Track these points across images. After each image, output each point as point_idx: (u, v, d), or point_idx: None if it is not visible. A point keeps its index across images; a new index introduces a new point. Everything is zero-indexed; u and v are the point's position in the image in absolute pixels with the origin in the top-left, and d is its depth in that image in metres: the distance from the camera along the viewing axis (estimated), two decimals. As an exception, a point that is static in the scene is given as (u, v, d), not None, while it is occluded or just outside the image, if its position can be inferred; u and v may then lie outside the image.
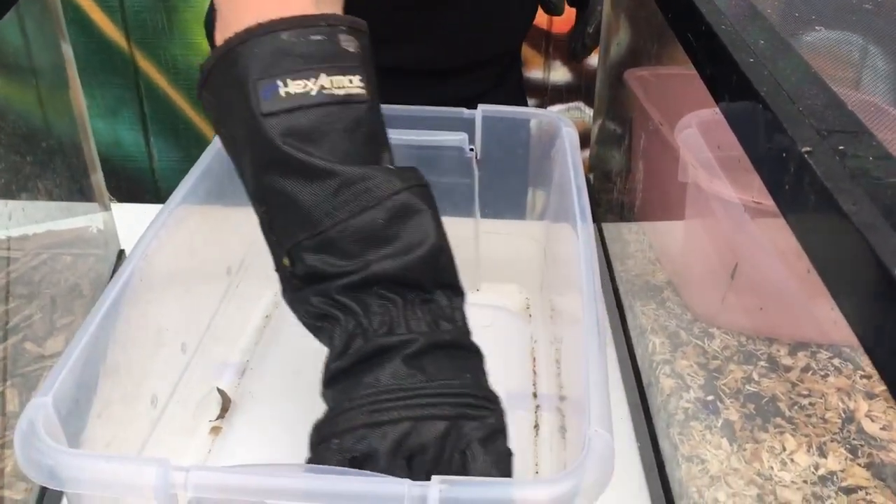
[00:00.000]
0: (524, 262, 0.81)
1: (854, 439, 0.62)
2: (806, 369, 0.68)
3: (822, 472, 0.60)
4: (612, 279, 0.84)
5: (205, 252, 0.68)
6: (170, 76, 1.72)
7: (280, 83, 0.47)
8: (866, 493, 0.58)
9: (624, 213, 0.87)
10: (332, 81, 0.48)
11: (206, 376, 0.68)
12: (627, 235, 0.87)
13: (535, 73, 1.86)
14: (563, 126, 0.71)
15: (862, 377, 0.67)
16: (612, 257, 0.87)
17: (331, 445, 0.45)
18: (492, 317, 0.80)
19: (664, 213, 0.78)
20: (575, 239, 0.58)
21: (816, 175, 0.34)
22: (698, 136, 0.71)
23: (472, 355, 0.50)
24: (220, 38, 0.50)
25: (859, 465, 0.60)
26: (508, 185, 0.78)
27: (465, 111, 0.74)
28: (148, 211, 0.61)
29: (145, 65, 1.73)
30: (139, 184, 1.85)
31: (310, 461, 0.46)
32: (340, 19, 0.50)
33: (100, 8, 1.66)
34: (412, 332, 0.47)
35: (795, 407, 0.65)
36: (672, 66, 0.81)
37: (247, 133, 0.49)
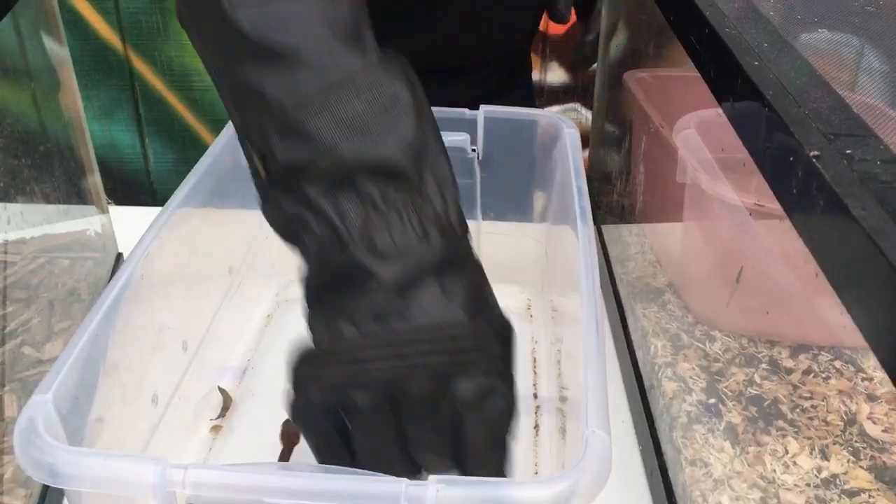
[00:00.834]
0: (525, 263, 0.81)
1: (856, 442, 0.62)
2: (807, 372, 0.67)
3: (824, 474, 0.60)
4: (613, 282, 0.84)
5: (206, 252, 0.68)
6: (165, 78, 1.72)
7: None
8: (869, 496, 0.58)
9: (624, 215, 0.87)
10: None
11: (207, 376, 0.68)
12: (628, 238, 0.87)
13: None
14: (565, 127, 0.70)
15: (863, 379, 0.67)
16: (613, 260, 0.87)
17: (312, 397, 0.43)
18: (492, 319, 0.79)
19: (665, 216, 0.78)
20: (575, 240, 0.58)
21: (825, 179, 0.34)
22: (697, 137, 0.71)
23: (469, 273, 0.44)
24: None
25: (862, 467, 0.60)
26: (510, 186, 0.78)
27: (466, 112, 0.74)
28: (146, 214, 0.61)
29: (140, 66, 1.72)
30: (135, 186, 1.84)
31: (291, 396, 0.44)
32: None
33: (95, 10, 1.66)
34: (397, 246, 0.41)
35: (797, 410, 0.65)
36: (672, 67, 0.81)
37: (218, 33, 0.45)
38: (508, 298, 0.82)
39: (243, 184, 0.74)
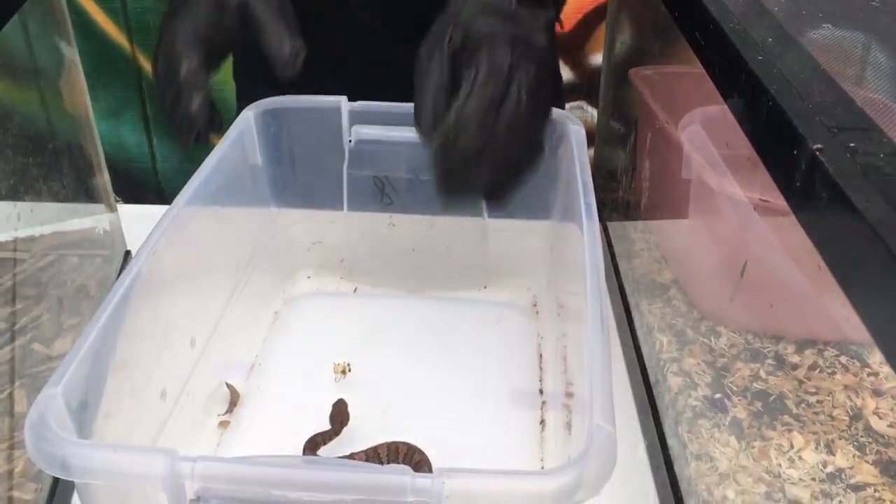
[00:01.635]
0: (532, 260, 0.81)
1: (861, 436, 0.62)
2: (813, 367, 0.68)
3: (830, 469, 0.60)
4: (618, 278, 0.84)
5: (214, 250, 0.69)
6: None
7: None
8: (875, 491, 0.58)
9: (630, 212, 0.87)
10: None
11: (215, 371, 0.69)
12: (633, 234, 0.87)
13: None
14: (571, 124, 0.71)
15: (869, 374, 0.67)
16: (618, 257, 0.87)
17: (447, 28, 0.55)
18: (499, 314, 0.80)
19: (670, 212, 0.79)
20: (580, 237, 0.59)
21: (828, 172, 0.34)
22: (702, 133, 0.71)
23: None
24: None
25: (867, 462, 0.60)
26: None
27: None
28: (154, 212, 0.61)
29: (148, 66, 1.73)
30: (142, 185, 1.85)
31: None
32: None
33: (102, 10, 1.67)
34: None
35: (803, 404, 0.65)
36: (678, 64, 0.81)
37: None
38: (514, 295, 0.82)
39: (250, 181, 0.75)
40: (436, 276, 0.82)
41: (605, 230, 0.93)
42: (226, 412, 0.68)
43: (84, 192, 0.84)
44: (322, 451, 0.62)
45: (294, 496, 0.42)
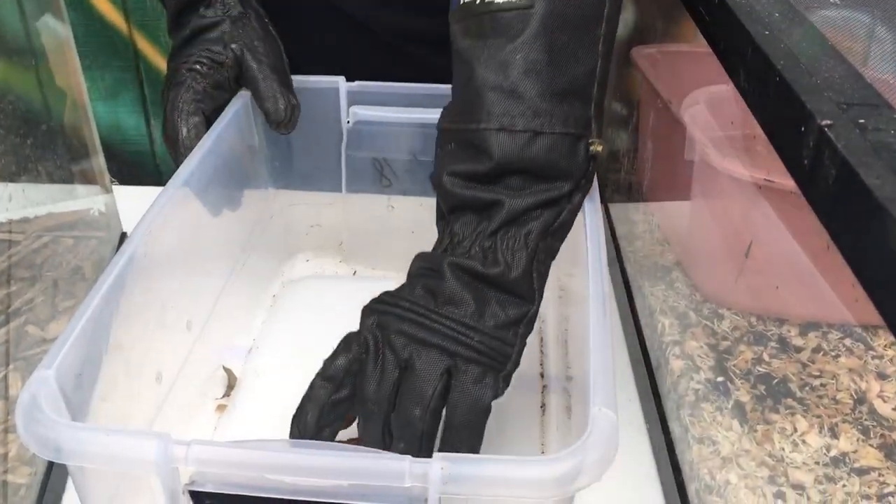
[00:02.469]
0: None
1: (866, 420, 0.62)
2: (817, 350, 0.67)
3: (833, 453, 0.59)
4: (620, 260, 0.84)
5: (210, 231, 0.68)
6: (169, 58, 1.70)
7: None
8: (879, 475, 0.58)
9: (632, 193, 0.86)
10: None
11: (212, 354, 0.68)
12: (635, 216, 0.86)
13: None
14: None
15: (874, 357, 0.66)
16: (620, 238, 0.86)
17: (369, 321, 0.52)
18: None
19: (673, 193, 0.78)
20: (582, 218, 0.58)
21: (837, 149, 0.33)
22: (705, 113, 0.70)
23: (516, 305, 0.50)
24: None
25: (871, 446, 0.60)
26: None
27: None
28: (150, 193, 0.60)
29: (145, 47, 1.71)
30: (140, 167, 1.84)
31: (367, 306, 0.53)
32: None
33: (99, -10, 1.65)
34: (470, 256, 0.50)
35: (806, 388, 0.64)
36: (680, 42, 0.79)
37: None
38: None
39: (248, 162, 0.74)
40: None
41: (606, 211, 0.92)
42: (223, 396, 0.67)
43: (79, 174, 0.83)
44: None
45: (290, 481, 0.41)
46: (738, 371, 0.65)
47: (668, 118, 0.74)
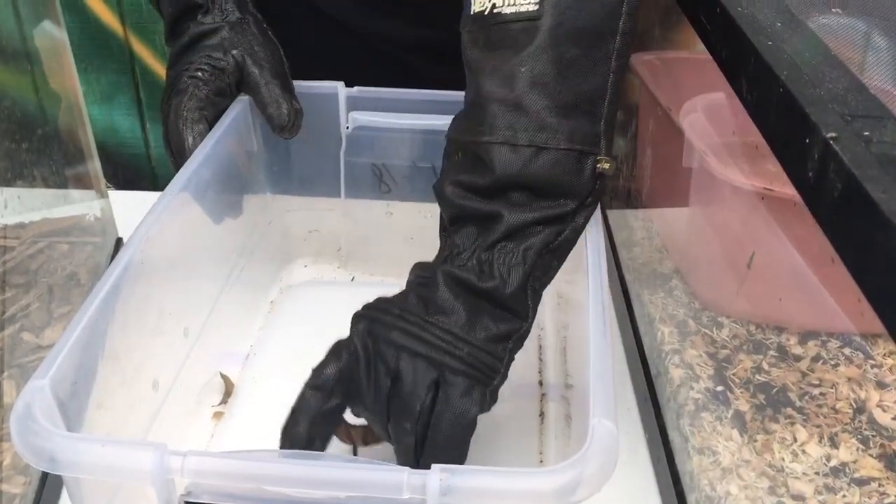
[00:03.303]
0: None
1: (866, 430, 0.61)
2: (816, 359, 0.67)
3: (833, 463, 0.59)
4: (619, 267, 0.83)
5: (208, 236, 0.67)
6: (165, 61, 1.70)
7: None
8: (879, 485, 0.58)
9: (630, 199, 0.86)
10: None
11: (209, 361, 0.67)
12: (634, 223, 0.86)
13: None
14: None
15: (873, 367, 0.66)
16: (619, 245, 0.86)
17: (359, 327, 0.51)
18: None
19: (672, 201, 0.77)
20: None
21: (843, 162, 0.33)
22: (704, 121, 0.70)
23: (508, 320, 0.50)
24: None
25: (871, 455, 0.59)
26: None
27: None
28: (146, 198, 0.60)
29: (141, 50, 1.71)
30: (135, 170, 1.83)
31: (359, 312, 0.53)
32: None
33: (94, -8, 1.64)
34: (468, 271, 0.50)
35: (806, 397, 0.64)
36: (679, 49, 0.79)
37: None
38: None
39: (246, 168, 0.74)
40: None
41: (604, 218, 0.92)
42: (220, 403, 0.66)
43: (74, 178, 0.83)
44: None
45: (287, 493, 0.41)
46: (737, 380, 0.65)
47: (667, 125, 0.74)
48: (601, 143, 0.50)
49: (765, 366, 0.66)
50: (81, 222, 0.81)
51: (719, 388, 0.65)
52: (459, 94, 0.72)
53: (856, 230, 0.32)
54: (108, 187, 0.90)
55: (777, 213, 0.61)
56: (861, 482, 0.58)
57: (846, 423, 0.62)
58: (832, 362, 0.66)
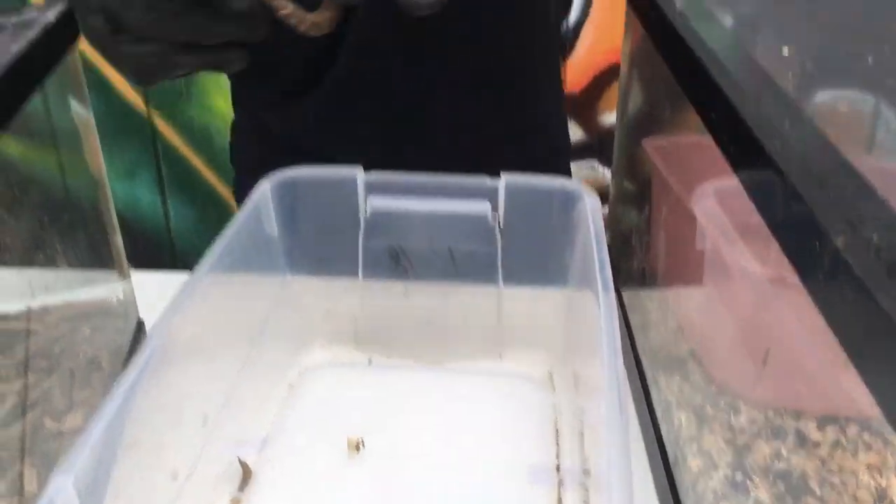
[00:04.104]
0: (547, 331, 0.81)
1: (888, 519, 0.61)
2: (835, 445, 0.66)
3: (856, 554, 0.58)
4: (635, 351, 0.84)
5: (227, 321, 0.68)
6: (186, 137, 1.74)
7: None
8: (902, 578, 0.57)
9: (645, 280, 0.87)
10: None
11: (227, 447, 0.68)
12: (648, 304, 0.86)
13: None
14: (586, 195, 0.71)
15: (893, 454, 0.65)
16: (634, 328, 0.87)
17: None
18: (514, 386, 0.79)
19: (686, 284, 0.78)
20: (597, 308, 0.58)
21: (853, 271, 0.34)
22: (717, 205, 0.71)
23: None
24: None
25: (894, 546, 0.59)
26: (531, 252, 0.78)
27: (487, 179, 0.74)
28: (167, 280, 0.61)
29: (163, 127, 1.75)
30: (155, 245, 1.86)
31: None
32: None
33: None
34: None
35: (826, 485, 0.63)
36: (690, 132, 0.81)
37: None
38: (530, 366, 0.81)
39: (266, 252, 0.75)
40: (451, 346, 0.82)
41: (619, 298, 0.92)
42: (238, 490, 0.66)
43: (98, 259, 0.84)
44: None
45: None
46: (756, 467, 0.65)
47: (681, 210, 0.75)
48: None
49: (784, 452, 0.66)
50: (104, 305, 0.82)
51: (738, 478, 0.64)
52: (479, 179, 0.74)
53: (868, 339, 0.33)
54: (130, 267, 0.91)
55: (791, 299, 0.62)
56: (884, 575, 0.57)
57: (868, 512, 0.61)
58: (851, 449, 0.66)
